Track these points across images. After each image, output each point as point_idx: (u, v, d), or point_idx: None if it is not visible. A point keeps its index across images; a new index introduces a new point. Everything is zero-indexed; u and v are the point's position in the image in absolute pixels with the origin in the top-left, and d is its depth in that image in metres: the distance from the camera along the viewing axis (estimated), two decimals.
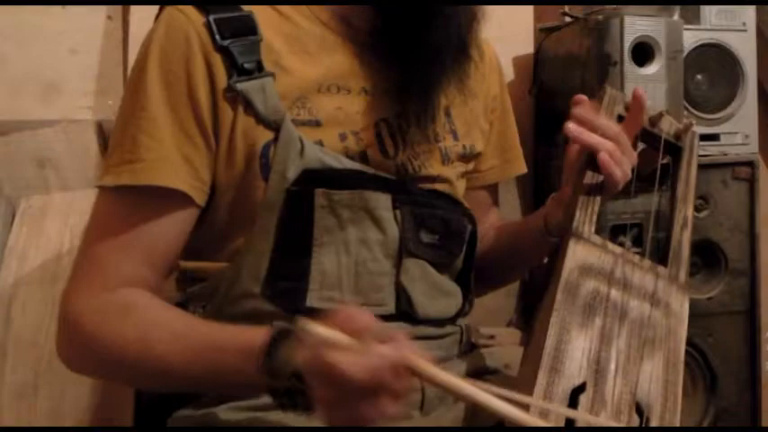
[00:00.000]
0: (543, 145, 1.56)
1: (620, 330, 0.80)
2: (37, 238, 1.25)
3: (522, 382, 0.77)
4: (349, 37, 0.89)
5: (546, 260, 0.97)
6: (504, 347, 1.47)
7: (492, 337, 1.49)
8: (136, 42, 0.87)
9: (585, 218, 0.87)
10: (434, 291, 0.90)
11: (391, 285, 0.86)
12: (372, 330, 0.63)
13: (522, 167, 1.10)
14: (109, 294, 0.79)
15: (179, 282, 0.91)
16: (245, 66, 0.82)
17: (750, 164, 1.51)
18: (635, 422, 0.75)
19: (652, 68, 1.37)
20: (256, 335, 0.70)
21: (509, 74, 1.58)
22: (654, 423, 0.76)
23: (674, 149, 0.97)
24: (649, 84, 1.35)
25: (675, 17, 1.42)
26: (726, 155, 1.50)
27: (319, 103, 0.85)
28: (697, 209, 1.47)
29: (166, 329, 0.77)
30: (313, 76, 0.86)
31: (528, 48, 1.63)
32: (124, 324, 0.78)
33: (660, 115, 0.95)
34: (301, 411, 0.70)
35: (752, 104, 1.51)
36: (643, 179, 0.98)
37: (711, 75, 1.50)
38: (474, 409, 0.88)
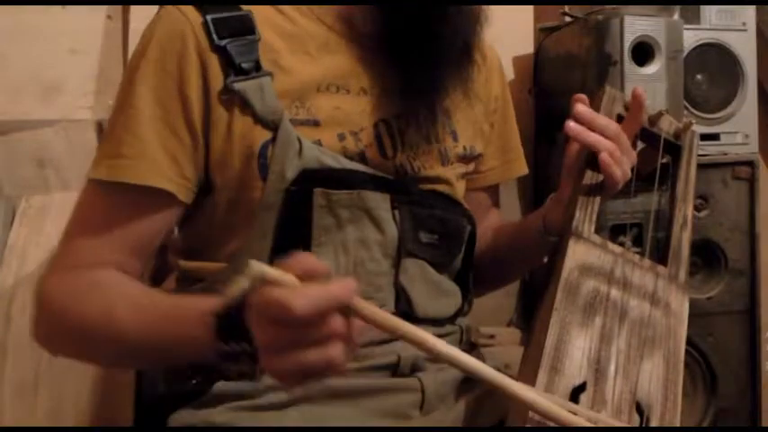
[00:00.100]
0: (543, 145, 1.56)
1: (620, 330, 0.80)
2: (37, 237, 1.26)
3: (523, 381, 0.77)
4: (350, 37, 0.89)
5: (546, 260, 0.97)
6: (504, 347, 1.48)
7: (492, 336, 1.50)
8: (136, 42, 0.87)
9: (585, 217, 0.87)
10: (433, 290, 0.90)
11: (390, 285, 0.86)
12: (319, 272, 0.61)
13: (522, 169, 1.10)
14: (79, 273, 0.81)
15: (179, 282, 0.92)
16: (243, 65, 0.82)
17: (750, 164, 1.50)
18: (635, 422, 0.75)
19: (652, 68, 1.37)
20: (210, 301, 0.69)
21: (509, 74, 1.58)
22: (654, 423, 0.76)
23: (674, 149, 0.97)
24: (649, 83, 1.35)
25: (675, 17, 1.42)
26: (726, 155, 1.50)
27: (318, 102, 0.85)
28: (697, 209, 1.47)
29: (129, 303, 0.77)
30: (312, 75, 0.86)
31: (528, 48, 1.63)
32: (90, 299, 0.79)
33: (660, 114, 0.95)
34: (247, 376, 0.69)
35: (752, 104, 1.51)
36: (643, 179, 0.98)
37: (711, 75, 1.50)
38: (475, 406, 0.88)
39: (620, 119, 0.91)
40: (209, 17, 0.83)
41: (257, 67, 0.83)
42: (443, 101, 0.91)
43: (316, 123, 0.85)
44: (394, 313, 0.85)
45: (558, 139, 1.46)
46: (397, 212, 0.87)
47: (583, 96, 0.89)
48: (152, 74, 0.82)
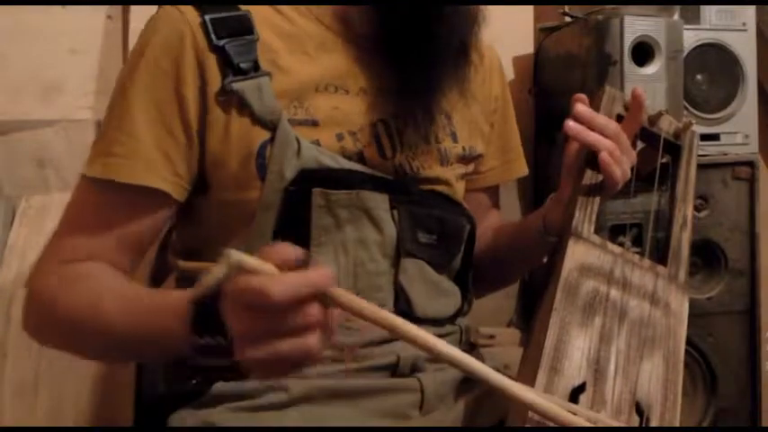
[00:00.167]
0: (543, 145, 1.56)
1: (620, 330, 0.80)
2: (37, 237, 1.26)
3: (522, 381, 0.77)
4: (348, 37, 0.89)
5: (545, 260, 0.96)
6: (504, 347, 1.48)
7: (492, 337, 1.50)
8: None
9: (585, 217, 0.87)
10: (433, 290, 0.90)
11: (390, 285, 0.86)
12: (297, 260, 0.60)
13: (523, 169, 1.10)
14: (69, 266, 0.81)
15: (179, 282, 0.92)
16: (241, 65, 0.82)
17: (750, 164, 1.51)
18: (635, 422, 0.75)
19: (652, 68, 1.37)
20: (186, 293, 0.69)
21: (509, 74, 1.58)
22: (654, 423, 0.76)
23: (674, 148, 0.97)
24: (649, 83, 1.35)
25: (675, 17, 1.42)
26: (726, 155, 1.50)
27: (317, 102, 0.85)
28: (697, 209, 1.47)
29: (116, 296, 0.77)
30: (311, 75, 0.86)
31: (528, 48, 1.63)
32: (78, 291, 0.79)
33: (659, 114, 0.94)
34: (224, 370, 0.68)
35: (752, 104, 1.51)
36: (642, 179, 0.98)
37: (711, 75, 1.50)
38: (474, 407, 0.88)
39: (619, 119, 0.91)
40: (207, 17, 0.83)
41: (256, 67, 0.83)
42: (440, 101, 0.91)
43: (314, 123, 0.85)
44: (393, 313, 0.85)
45: (557, 139, 1.46)
46: (395, 212, 0.87)
47: (582, 96, 0.89)
48: (149, 73, 0.83)
